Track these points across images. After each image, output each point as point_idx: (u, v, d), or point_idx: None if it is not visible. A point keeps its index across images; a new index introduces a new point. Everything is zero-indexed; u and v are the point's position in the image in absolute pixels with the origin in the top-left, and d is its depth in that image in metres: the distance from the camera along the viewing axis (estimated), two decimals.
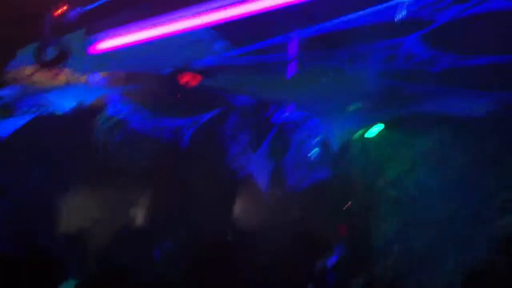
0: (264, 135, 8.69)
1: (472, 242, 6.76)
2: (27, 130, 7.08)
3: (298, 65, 5.72)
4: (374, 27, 4.79)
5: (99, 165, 8.21)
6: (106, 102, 7.62)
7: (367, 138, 8.40)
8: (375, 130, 8.26)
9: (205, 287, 5.55)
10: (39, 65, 3.93)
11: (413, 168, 7.95)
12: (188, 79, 6.09)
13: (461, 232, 7.16)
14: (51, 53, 3.93)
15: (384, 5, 4.36)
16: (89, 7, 3.91)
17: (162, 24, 4.11)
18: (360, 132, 8.45)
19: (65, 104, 7.04)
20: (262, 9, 3.88)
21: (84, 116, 7.59)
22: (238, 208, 10.07)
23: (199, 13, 3.98)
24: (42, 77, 6.98)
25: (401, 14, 4.32)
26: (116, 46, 4.28)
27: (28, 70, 6.18)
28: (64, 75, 7.13)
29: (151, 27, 4.16)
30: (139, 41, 4.30)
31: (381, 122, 8.12)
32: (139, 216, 9.59)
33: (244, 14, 3.93)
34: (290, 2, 3.85)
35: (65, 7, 3.71)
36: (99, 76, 6.98)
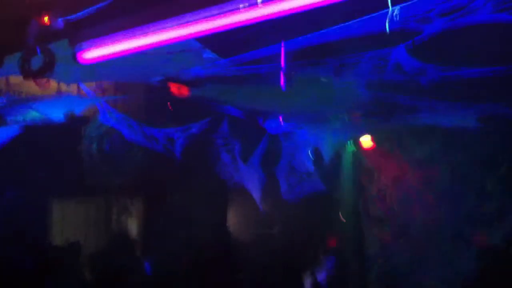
0: (254, 145, 8.69)
1: (456, 257, 6.79)
2: (16, 139, 7.03)
3: (286, 75, 5.73)
4: (362, 38, 4.81)
5: (89, 174, 8.17)
6: (95, 111, 7.59)
7: (356, 149, 8.43)
8: (364, 141, 8.28)
9: None
10: (23, 75, 3.89)
11: (401, 180, 7.99)
12: (177, 89, 6.08)
13: (446, 246, 7.20)
14: (36, 62, 3.90)
15: (372, 16, 4.37)
16: (76, 16, 3.89)
17: (150, 33, 4.09)
18: (349, 143, 8.47)
19: (54, 113, 7.00)
20: (251, 19, 3.87)
21: (73, 125, 7.55)
22: (228, 218, 10.04)
23: (187, 23, 3.96)
24: (30, 86, 6.95)
25: (388, 25, 4.34)
26: (104, 56, 4.25)
27: (15, 79, 6.16)
28: (53, 85, 7.11)
29: (139, 37, 4.13)
30: (127, 50, 4.28)
31: (370, 133, 8.15)
32: (129, 225, 9.53)
33: (233, 24, 3.92)
34: (278, 13, 3.84)
35: (51, 16, 3.69)
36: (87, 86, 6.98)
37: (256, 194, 8.82)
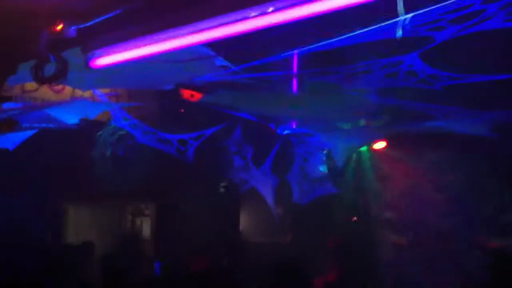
0: (268, 150, 8.69)
1: (469, 265, 6.72)
2: (30, 144, 7.13)
3: (299, 82, 5.74)
4: (375, 44, 4.79)
5: (103, 179, 8.24)
6: (110, 116, 7.66)
7: (369, 155, 8.40)
8: (378, 147, 8.26)
9: None
10: (37, 82, 3.95)
11: (414, 186, 7.94)
12: (190, 96, 6.11)
13: (457, 253, 7.13)
14: (50, 69, 3.96)
15: (384, 23, 4.36)
16: (88, 23, 3.94)
17: (162, 41, 4.13)
18: (363, 148, 8.45)
19: (69, 119, 7.07)
20: (262, 26, 3.88)
21: (87, 131, 7.63)
22: (241, 223, 10.06)
23: (199, 31, 3.99)
24: (45, 92, 7.04)
25: (400, 32, 4.32)
26: (116, 62, 4.30)
27: (31, 85, 6.24)
28: (68, 90, 7.19)
29: (151, 44, 4.17)
30: (139, 57, 4.32)
31: (384, 139, 8.11)
32: (142, 229, 9.60)
33: (245, 31, 3.94)
34: (289, 20, 3.84)
35: (64, 24, 3.74)
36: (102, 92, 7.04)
37: (269, 199, 8.82)
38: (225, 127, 8.03)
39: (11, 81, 4.76)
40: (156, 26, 4.02)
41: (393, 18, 4.12)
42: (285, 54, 5.07)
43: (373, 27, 4.40)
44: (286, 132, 8.19)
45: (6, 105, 5.70)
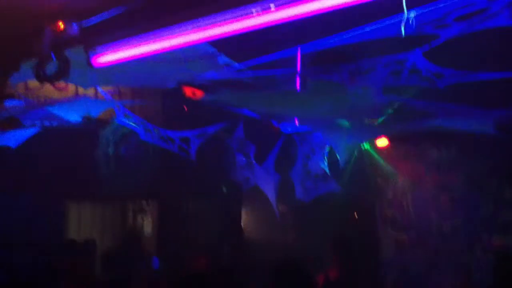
0: (270, 148, 8.67)
1: (472, 264, 6.70)
2: (33, 142, 7.13)
3: (302, 80, 5.71)
4: (378, 42, 4.76)
5: (105, 177, 8.24)
6: (113, 114, 7.65)
7: (372, 152, 8.38)
8: (381, 144, 8.24)
9: None
10: (38, 81, 3.94)
11: (417, 184, 7.92)
12: (192, 93, 6.09)
13: (459, 252, 7.11)
14: (52, 68, 3.94)
15: (388, 20, 4.33)
16: (90, 21, 3.93)
17: (163, 38, 4.11)
18: (365, 146, 8.43)
19: (72, 116, 7.07)
20: (265, 23, 3.87)
21: (90, 129, 7.63)
22: (243, 221, 10.04)
23: (200, 28, 3.97)
24: (48, 90, 7.03)
25: (404, 29, 4.29)
26: (118, 61, 4.29)
27: (33, 83, 6.23)
28: (71, 88, 7.19)
29: (153, 42, 4.16)
30: (142, 55, 4.31)
31: (387, 137, 8.09)
32: (144, 226, 9.60)
33: (247, 28, 3.92)
34: (292, 18, 3.82)
35: (65, 22, 3.72)
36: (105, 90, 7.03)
37: (271, 197, 8.81)
38: (228, 125, 8.02)
39: (14, 79, 4.76)
40: (158, 24, 4.01)
41: (398, 15, 4.10)
42: (289, 52, 5.05)
43: (377, 24, 4.38)
44: (288, 129, 8.17)
45: (9, 103, 5.70)
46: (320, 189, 8.78)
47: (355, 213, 8.80)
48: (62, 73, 3.83)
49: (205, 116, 7.73)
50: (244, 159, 8.76)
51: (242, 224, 9.92)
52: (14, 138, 7.14)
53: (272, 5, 3.58)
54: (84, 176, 7.92)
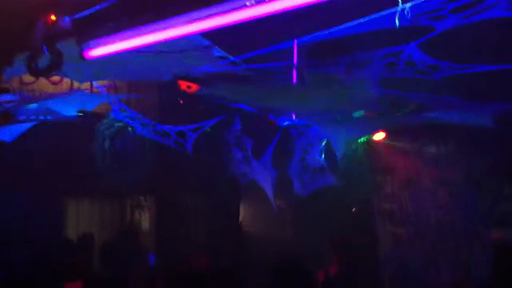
0: (267, 142, 8.64)
1: (468, 257, 6.69)
2: (28, 137, 7.09)
3: (299, 73, 5.67)
4: (374, 34, 4.73)
5: (101, 172, 8.21)
6: (108, 108, 7.62)
7: (370, 146, 8.36)
8: (378, 138, 8.21)
9: None
10: (31, 74, 3.90)
11: (415, 178, 7.90)
12: (187, 87, 6.06)
13: (458, 246, 7.10)
14: (44, 61, 3.90)
15: (384, 12, 4.29)
16: (83, 14, 3.89)
17: (157, 31, 4.07)
18: (363, 140, 8.41)
19: (67, 110, 7.03)
20: (261, 15, 3.82)
21: (85, 123, 7.58)
22: (241, 215, 10.02)
23: (197, 19, 3.93)
24: (43, 85, 7.00)
25: (400, 22, 4.25)
26: (111, 53, 4.24)
27: (28, 77, 6.19)
28: (66, 82, 7.15)
29: (147, 34, 4.12)
30: (135, 47, 4.26)
31: (384, 130, 8.06)
32: (141, 222, 9.57)
33: (243, 20, 3.88)
34: (289, 8, 3.78)
35: (57, 14, 3.68)
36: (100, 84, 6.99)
37: (269, 191, 8.79)
38: (224, 119, 7.98)
39: (8, 73, 4.72)
40: (152, 16, 3.96)
41: (393, 7, 4.06)
42: (285, 44, 5.01)
43: (373, 16, 4.35)
44: (286, 123, 8.13)
45: (4, 98, 5.66)
46: (318, 183, 8.76)
47: (353, 207, 8.78)
48: (55, 66, 3.79)
49: (201, 110, 7.70)
50: (241, 153, 8.74)
51: (240, 219, 9.90)
52: (9, 133, 7.10)
53: None
54: (79, 171, 7.88)
